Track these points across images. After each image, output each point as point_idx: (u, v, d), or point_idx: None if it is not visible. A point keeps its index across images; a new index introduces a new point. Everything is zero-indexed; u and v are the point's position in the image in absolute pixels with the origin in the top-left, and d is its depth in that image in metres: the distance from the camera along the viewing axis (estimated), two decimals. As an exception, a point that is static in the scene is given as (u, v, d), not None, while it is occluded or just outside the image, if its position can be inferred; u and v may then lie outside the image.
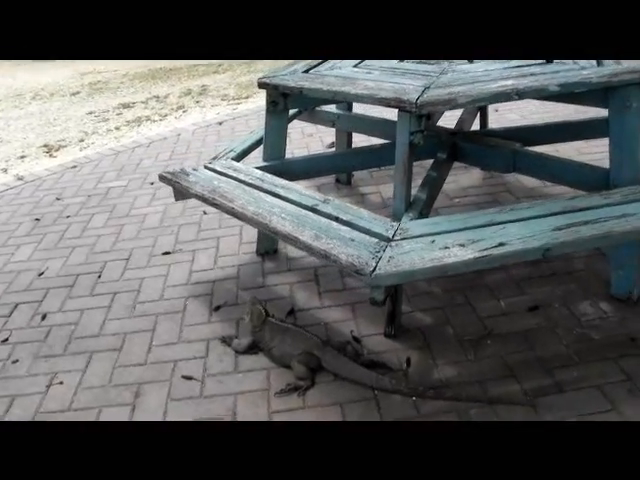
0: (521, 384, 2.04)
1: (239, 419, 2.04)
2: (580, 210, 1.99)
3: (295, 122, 3.59)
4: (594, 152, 3.45)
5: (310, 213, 2.19)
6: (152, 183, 4.04)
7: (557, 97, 2.32)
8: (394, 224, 2.04)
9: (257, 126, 4.94)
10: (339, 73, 2.59)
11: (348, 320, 2.48)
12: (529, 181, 3.45)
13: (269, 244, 3.01)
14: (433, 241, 1.90)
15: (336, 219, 2.13)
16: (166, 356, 2.39)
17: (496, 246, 1.83)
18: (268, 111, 2.72)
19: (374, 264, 1.80)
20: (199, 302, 2.72)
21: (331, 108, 3.56)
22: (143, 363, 2.37)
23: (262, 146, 2.88)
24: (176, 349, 2.43)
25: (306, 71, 2.72)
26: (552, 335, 2.24)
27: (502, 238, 1.86)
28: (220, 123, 5.12)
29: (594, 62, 2.34)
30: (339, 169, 2.99)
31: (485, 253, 1.80)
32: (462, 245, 1.85)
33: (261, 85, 2.64)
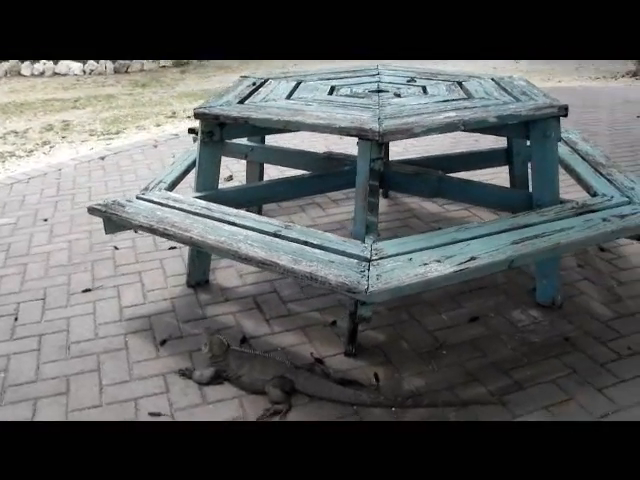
0: (485, 386, 2.22)
1: (224, 450, 1.99)
2: (525, 227, 2.24)
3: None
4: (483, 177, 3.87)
5: (276, 239, 2.22)
6: (45, 220, 3.76)
7: (480, 129, 2.62)
8: (366, 245, 2.15)
9: (142, 161, 4.85)
10: (279, 104, 2.66)
11: (303, 343, 2.52)
12: (431, 206, 3.76)
13: (200, 275, 2.96)
14: (410, 259, 2.04)
15: (305, 243, 2.18)
16: (123, 395, 2.25)
17: (469, 260, 2.01)
18: (203, 141, 2.70)
19: (366, 282, 1.88)
20: (140, 338, 2.59)
21: (242, 141, 3.62)
22: (99, 404, 2.21)
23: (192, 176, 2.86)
24: (132, 387, 2.29)
25: (241, 102, 2.76)
26: (497, 341, 2.47)
27: (471, 253, 2.05)
28: (102, 158, 4.89)
29: (509, 98, 2.66)
30: (272, 199, 3.03)
31: (462, 267, 1.97)
32: (439, 261, 2.01)
33: (199, 115, 2.63)
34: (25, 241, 3.48)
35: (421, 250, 2.10)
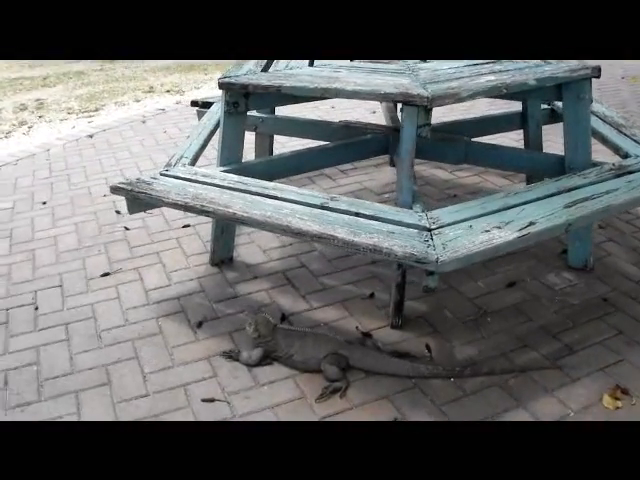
0: (537, 351, 2.22)
1: (290, 431, 1.94)
2: (571, 190, 2.23)
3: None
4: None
5: (325, 211, 2.15)
6: (44, 203, 3.59)
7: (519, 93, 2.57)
8: (422, 214, 2.10)
9: (133, 137, 4.67)
10: (307, 72, 2.57)
11: (345, 318, 2.47)
12: (441, 173, 3.73)
13: (224, 252, 2.87)
14: (470, 226, 2.00)
15: (356, 214, 2.12)
16: (169, 382, 2.17)
17: (529, 225, 1.98)
18: (228, 113, 2.59)
19: (434, 252, 1.84)
20: (174, 321, 2.50)
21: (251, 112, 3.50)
22: (146, 394, 2.13)
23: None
24: (177, 373, 2.21)
25: (264, 70, 2.66)
26: (539, 305, 2.47)
27: (529, 218, 2.03)
28: (91, 136, 4.68)
29: (536, 61, 2.63)
30: (300, 170, 2.94)
31: (524, 232, 1.95)
32: (499, 227, 1.98)
33: (224, 85, 2.51)
34: (27, 226, 3.32)
35: (477, 217, 2.06)
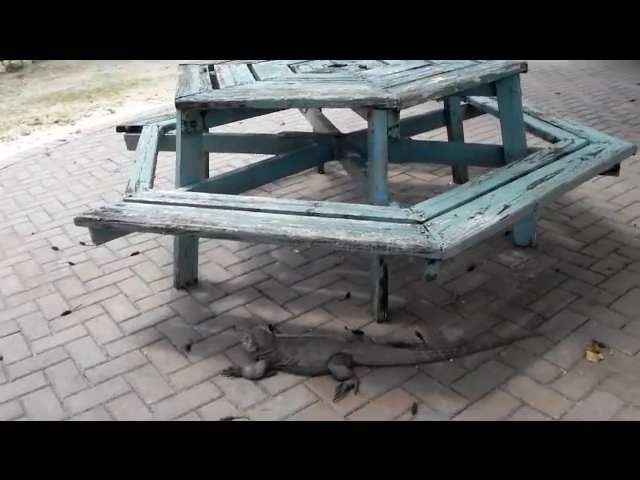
0: (516, 323, 2.43)
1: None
2: (525, 174, 2.47)
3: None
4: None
5: (314, 217, 2.21)
6: (-33, 247, 3.30)
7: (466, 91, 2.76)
8: (408, 210, 2.22)
9: (41, 171, 4.41)
10: (261, 85, 2.60)
11: (331, 320, 2.54)
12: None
13: (189, 274, 2.82)
14: (455, 215, 2.15)
15: (345, 217, 2.20)
16: (179, 409, 2.12)
17: (505, 209, 2.17)
18: (186, 132, 2.56)
19: (436, 242, 1.97)
20: (159, 349, 2.43)
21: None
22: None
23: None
24: (182, 399, 2.16)
25: (215, 87, 2.66)
26: (501, 283, 2.68)
27: (502, 202, 2.22)
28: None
29: (461, 62, 2.85)
30: (255, 184, 2.94)
31: (503, 215, 2.14)
32: (480, 213, 2.15)
33: (181, 105, 2.48)
34: (-44, 274, 3.04)
35: (457, 206, 2.22)
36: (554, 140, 2.84)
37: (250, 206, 2.33)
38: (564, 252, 2.89)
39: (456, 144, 3.06)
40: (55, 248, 3.24)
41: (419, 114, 3.49)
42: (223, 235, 2.19)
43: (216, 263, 3.00)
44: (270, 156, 3.06)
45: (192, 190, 2.60)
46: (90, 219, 2.33)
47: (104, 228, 2.35)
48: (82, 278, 2.95)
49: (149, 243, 3.21)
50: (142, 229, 2.30)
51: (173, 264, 2.82)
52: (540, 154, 2.65)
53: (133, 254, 3.13)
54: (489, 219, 2.11)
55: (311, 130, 3.71)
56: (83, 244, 3.26)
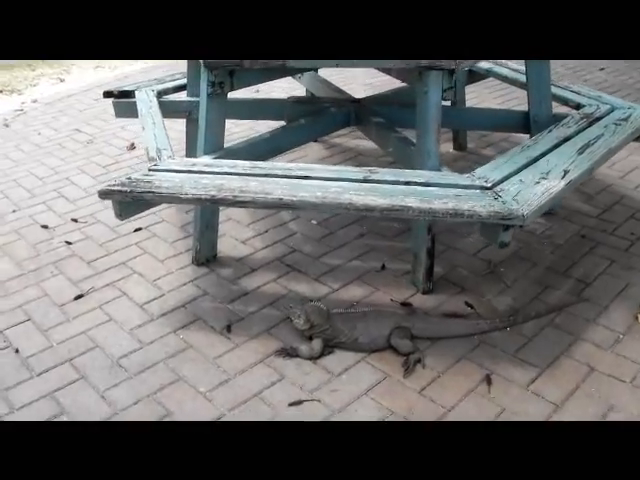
0: (559, 289, 2.41)
1: (398, 412, 1.89)
2: (569, 139, 2.43)
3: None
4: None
5: (375, 184, 2.08)
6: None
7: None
8: (471, 175, 2.14)
9: (3, 144, 3.98)
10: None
11: (373, 293, 2.43)
12: (368, 144, 3.78)
13: (209, 250, 2.63)
14: (521, 180, 2.09)
15: (407, 183, 2.09)
16: (239, 395, 1.96)
17: (566, 174, 2.13)
18: (214, 94, 2.35)
19: (514, 208, 1.90)
20: (196, 331, 2.25)
21: (180, 96, 3.20)
22: (221, 414, 1.89)
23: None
24: (240, 385, 2.01)
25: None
26: (534, 250, 2.66)
27: (560, 167, 2.17)
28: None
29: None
30: (280, 149, 2.75)
31: (567, 180, 2.09)
32: (545, 178, 2.10)
33: (211, 64, 2.27)
34: None
35: (518, 172, 2.16)
36: (577, 106, 2.83)
37: (298, 173, 2.17)
38: (584, 218, 2.90)
39: (482, 109, 3.01)
40: (45, 226, 2.93)
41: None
42: (279, 205, 2.02)
43: (232, 237, 2.81)
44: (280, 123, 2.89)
45: (218, 158, 2.41)
46: (119, 191, 2.09)
47: (134, 201, 2.13)
48: (85, 258, 2.69)
49: (150, 218, 2.96)
50: (182, 200, 2.09)
51: (193, 239, 2.61)
52: (573, 120, 2.63)
53: (136, 230, 2.89)
54: (556, 184, 2.07)
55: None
56: (75, 221, 2.97)
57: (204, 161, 2.32)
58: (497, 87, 4.57)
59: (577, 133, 2.49)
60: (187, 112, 3.10)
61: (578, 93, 2.95)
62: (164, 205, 2.93)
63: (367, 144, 3.78)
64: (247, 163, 2.27)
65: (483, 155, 3.64)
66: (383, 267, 2.59)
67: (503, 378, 2.01)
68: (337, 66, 2.24)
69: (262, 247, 2.75)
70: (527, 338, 2.18)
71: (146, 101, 2.95)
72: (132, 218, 2.92)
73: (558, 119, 2.73)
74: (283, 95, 3.59)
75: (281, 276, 2.55)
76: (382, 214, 1.98)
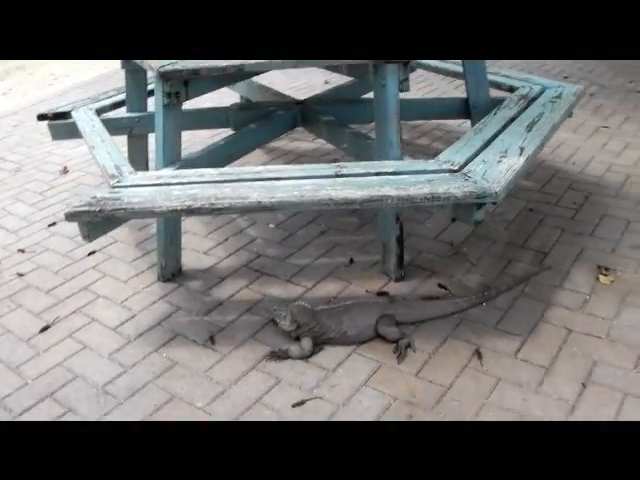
0: (521, 261, 2.53)
1: (400, 397, 1.92)
2: (513, 119, 2.56)
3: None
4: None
5: (347, 178, 2.10)
6: None
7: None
8: (436, 160, 2.20)
9: None
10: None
11: (347, 287, 2.46)
12: (308, 145, 3.81)
13: (174, 264, 2.56)
14: (484, 160, 2.18)
15: (377, 174, 2.13)
16: (239, 405, 1.93)
17: (522, 150, 2.25)
18: (170, 105, 2.30)
19: (486, 186, 1.98)
20: (179, 347, 2.19)
21: (120, 113, 3.10)
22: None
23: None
24: (237, 394, 1.97)
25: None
26: (489, 228, 2.77)
27: (516, 145, 2.29)
28: None
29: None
30: (235, 157, 2.71)
31: (525, 156, 2.21)
32: (504, 157, 2.20)
33: (167, 74, 2.21)
34: None
35: (477, 153, 2.26)
36: (511, 89, 2.98)
37: (269, 175, 2.17)
38: (528, 193, 3.06)
39: (423, 100, 3.11)
40: (-16, 259, 2.76)
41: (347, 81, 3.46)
42: (257, 208, 2.01)
43: (193, 250, 2.75)
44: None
45: (179, 169, 2.36)
46: (88, 211, 2.01)
47: (105, 220, 2.05)
48: (42, 288, 2.55)
49: (102, 240, 2.81)
50: (156, 214, 2.04)
51: (157, 255, 2.53)
52: (512, 101, 2.77)
53: (90, 253, 2.77)
54: (516, 161, 2.17)
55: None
56: (22, 251, 2.81)
57: (168, 173, 2.26)
58: (417, 80, 4.75)
59: (520, 113, 2.63)
60: (129, 128, 3.01)
61: (508, 77, 3.12)
62: (114, 225, 2.83)
63: (307, 145, 3.82)
64: (213, 171, 2.24)
65: (419, 145, 3.77)
66: (351, 261, 2.63)
67: (491, 350, 2.09)
68: (295, 66, 2.24)
69: (226, 256, 2.71)
70: (503, 310, 2.27)
71: (87, 120, 2.84)
72: (81, 242, 2.85)
73: (496, 103, 2.88)
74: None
75: (252, 282, 2.53)
76: (362, 206, 2.01)
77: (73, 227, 2.96)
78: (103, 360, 2.15)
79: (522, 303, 2.30)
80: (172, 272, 2.56)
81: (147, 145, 3.23)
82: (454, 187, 1.99)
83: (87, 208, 2.02)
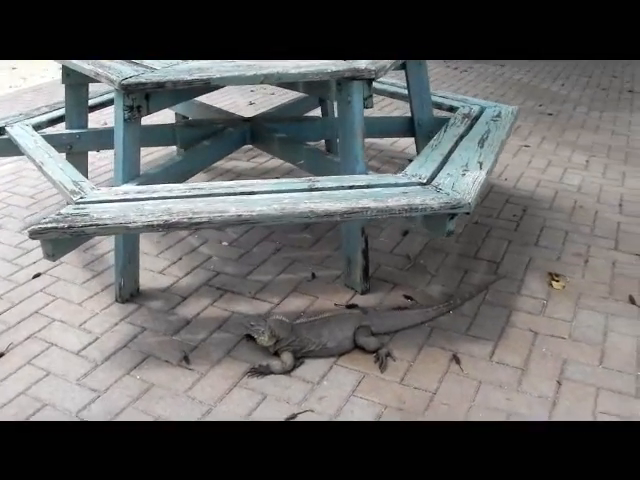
0: (477, 271, 2.65)
1: (390, 404, 1.94)
2: (463, 136, 2.68)
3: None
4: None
5: (324, 192, 2.10)
6: None
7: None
8: (404, 174, 2.26)
9: None
10: (216, 63, 2.34)
11: (314, 301, 2.46)
12: (245, 164, 3.78)
13: (132, 284, 2.45)
14: (449, 174, 2.26)
15: (350, 187, 2.16)
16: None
17: (481, 164, 2.36)
18: (131, 119, 2.21)
19: (459, 197, 2.06)
20: (152, 368, 2.09)
21: (59, 130, 2.94)
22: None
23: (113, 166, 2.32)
24: (225, 412, 1.91)
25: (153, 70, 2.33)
26: (441, 240, 2.87)
27: (474, 159, 2.40)
28: None
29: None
30: (191, 173, 2.60)
31: (486, 170, 2.31)
32: (467, 170, 2.30)
33: (130, 86, 2.12)
34: None
35: (440, 167, 2.33)
36: (451, 108, 3.14)
37: (242, 190, 2.14)
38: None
39: (369, 118, 3.15)
40: None
41: (296, 98, 3.51)
42: (237, 222, 1.97)
43: (146, 269, 2.64)
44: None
45: (140, 184, 2.28)
46: (55, 228, 1.89)
47: (74, 236, 1.93)
48: (-15, 316, 2.35)
49: (45, 262, 2.67)
50: (132, 229, 1.94)
51: (115, 274, 2.41)
52: (457, 120, 2.91)
53: (35, 276, 2.58)
54: (478, 174, 2.28)
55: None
56: None
57: (134, 188, 2.18)
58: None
59: (467, 130, 2.77)
60: (68, 145, 2.86)
61: (446, 97, 3.28)
62: (57, 246, 2.66)
63: (244, 164, 3.81)
64: (183, 186, 2.18)
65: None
66: (313, 276, 2.63)
67: (467, 355, 2.16)
68: (263, 81, 2.24)
69: (183, 275, 2.63)
70: (470, 317, 2.36)
71: (26, 136, 2.69)
72: (22, 264, 2.69)
73: (438, 121, 3.02)
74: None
75: (216, 300, 2.46)
76: (342, 217, 2.03)
77: (10, 250, 2.81)
78: (71, 386, 2.01)
79: (486, 310, 2.41)
80: (130, 292, 2.45)
81: (87, 162, 3.08)
82: (429, 199, 2.06)
83: (54, 224, 1.90)
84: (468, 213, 2.10)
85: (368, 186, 2.18)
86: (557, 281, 2.57)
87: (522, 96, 5.27)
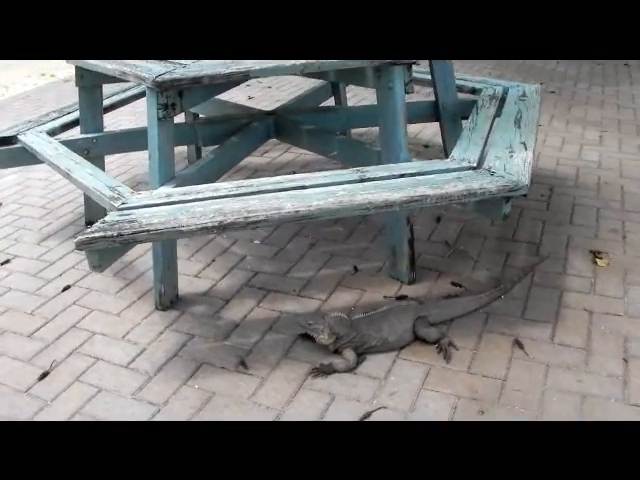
0: (519, 253, 2.61)
1: (463, 395, 1.89)
2: (496, 116, 2.65)
3: None
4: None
5: (376, 182, 2.04)
6: None
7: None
8: (452, 159, 2.20)
9: None
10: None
11: (362, 295, 2.39)
12: (258, 160, 3.69)
13: (172, 291, 2.35)
14: (497, 156, 2.21)
15: (402, 176, 2.09)
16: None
17: (525, 145, 2.31)
18: (166, 118, 2.11)
19: (516, 179, 2.01)
20: (209, 377, 2.00)
21: (74, 134, 2.81)
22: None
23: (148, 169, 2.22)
24: (295, 416, 1.83)
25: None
26: (477, 224, 2.83)
27: (516, 140, 2.36)
28: None
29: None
30: (224, 170, 2.51)
31: (532, 149, 2.28)
32: (514, 152, 2.25)
33: (164, 83, 2.02)
34: None
35: (485, 150, 2.29)
36: (473, 90, 3.08)
37: (292, 185, 2.06)
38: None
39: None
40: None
41: (307, 90, 3.43)
42: (295, 218, 1.89)
43: (181, 274, 2.53)
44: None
45: (177, 186, 2.18)
46: (104, 237, 1.79)
47: (123, 244, 1.84)
48: (21, 331, 2.23)
49: (71, 273, 2.56)
50: (184, 233, 1.85)
51: (155, 282, 2.31)
52: (485, 101, 2.85)
53: (64, 289, 2.47)
54: (525, 155, 2.23)
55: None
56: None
57: (175, 190, 2.08)
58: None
59: (499, 111, 2.72)
60: (85, 151, 2.74)
61: (467, 79, 3.23)
62: (82, 256, 2.55)
63: (258, 160, 3.72)
64: (228, 184, 2.09)
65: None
66: (355, 269, 2.56)
67: (528, 339, 2.12)
68: (303, 71, 2.16)
69: (220, 277, 2.54)
70: (522, 300, 2.32)
71: (43, 143, 2.56)
72: (51, 277, 2.57)
73: (463, 105, 2.97)
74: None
75: (260, 300, 2.38)
76: (401, 207, 1.96)
77: (32, 263, 2.69)
78: (128, 401, 1.91)
79: (537, 292, 2.36)
80: (170, 299, 2.35)
81: (104, 167, 2.96)
82: (486, 182, 2.01)
83: (102, 233, 1.80)
84: (525, 195, 2.05)
85: (419, 173, 2.12)
86: (600, 258, 2.54)
87: (521, 75, 5.24)
